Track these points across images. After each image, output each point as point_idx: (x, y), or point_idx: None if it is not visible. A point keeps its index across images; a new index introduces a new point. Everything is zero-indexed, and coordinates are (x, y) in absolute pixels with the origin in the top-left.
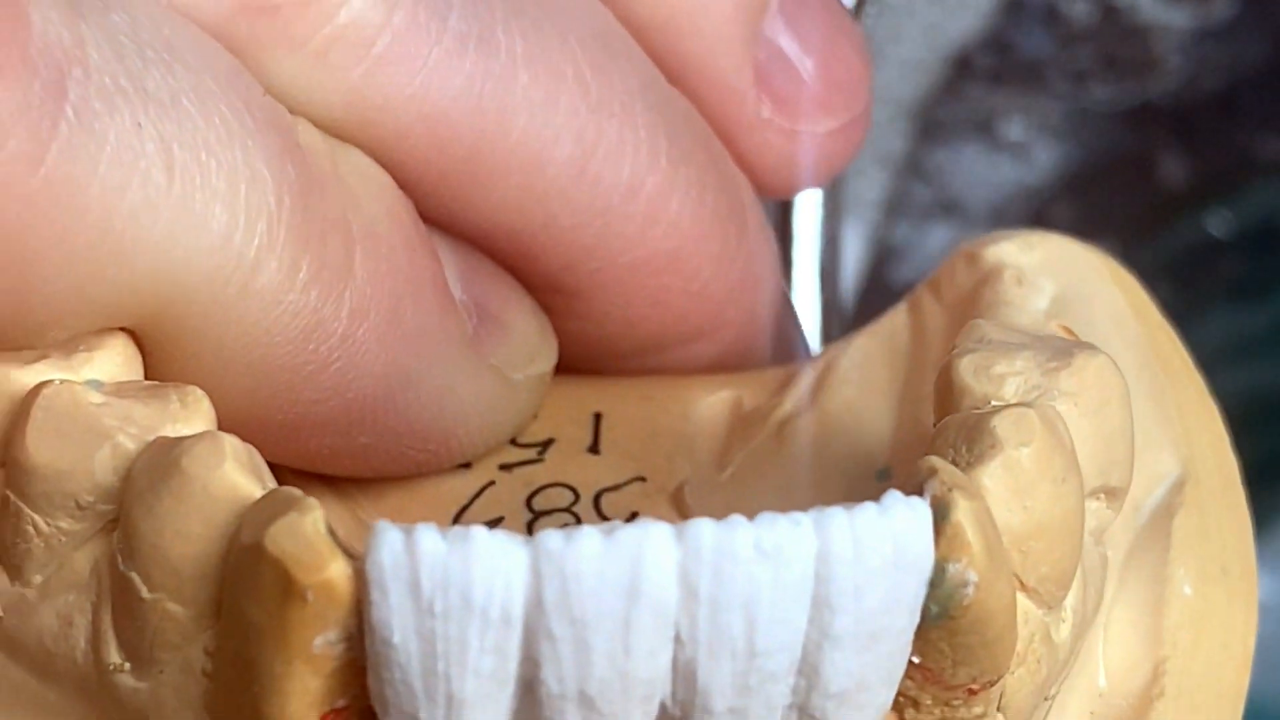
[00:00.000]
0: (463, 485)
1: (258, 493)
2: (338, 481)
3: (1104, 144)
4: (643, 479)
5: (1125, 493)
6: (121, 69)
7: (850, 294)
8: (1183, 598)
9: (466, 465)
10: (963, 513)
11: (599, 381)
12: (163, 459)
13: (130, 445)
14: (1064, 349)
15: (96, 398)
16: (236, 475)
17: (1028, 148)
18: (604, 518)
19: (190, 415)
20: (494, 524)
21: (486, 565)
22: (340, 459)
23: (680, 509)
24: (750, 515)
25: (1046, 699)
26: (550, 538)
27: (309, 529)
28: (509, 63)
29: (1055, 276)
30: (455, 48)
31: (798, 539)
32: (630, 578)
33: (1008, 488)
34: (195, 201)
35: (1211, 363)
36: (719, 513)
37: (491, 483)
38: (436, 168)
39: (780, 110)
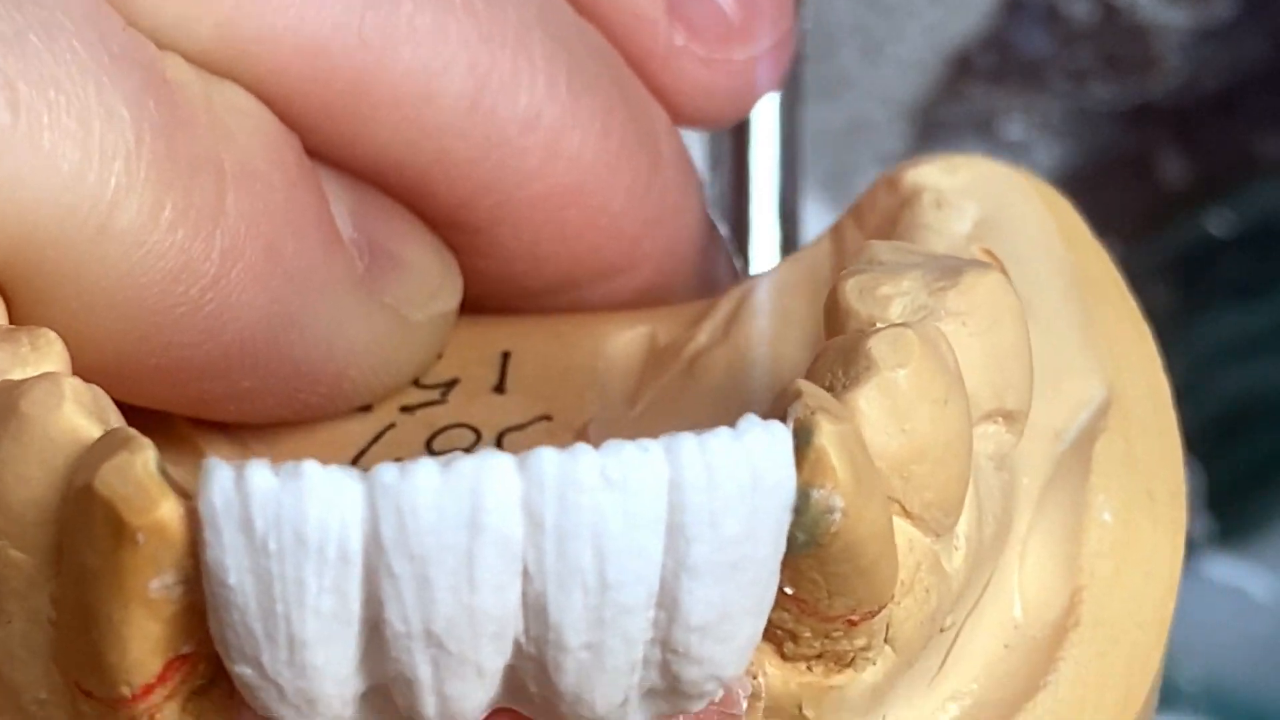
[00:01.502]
0: (362, 428)
1: (99, 434)
2: (233, 428)
3: (1104, 144)
4: (549, 418)
5: (1025, 416)
6: None
7: None
8: (1102, 525)
9: (367, 408)
10: (826, 436)
11: (510, 320)
12: (1, 402)
13: None
14: (954, 268)
15: None
16: (76, 417)
17: (1028, 147)
18: None
19: (40, 358)
20: None
21: (320, 501)
22: (226, 404)
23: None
24: None
25: (942, 630)
26: (385, 471)
27: (139, 469)
28: None
29: (979, 199)
30: None
31: (646, 466)
32: (470, 510)
33: (884, 410)
34: (43, 140)
35: (1211, 363)
36: None
37: (392, 425)
38: (318, 102)
39: (695, 38)
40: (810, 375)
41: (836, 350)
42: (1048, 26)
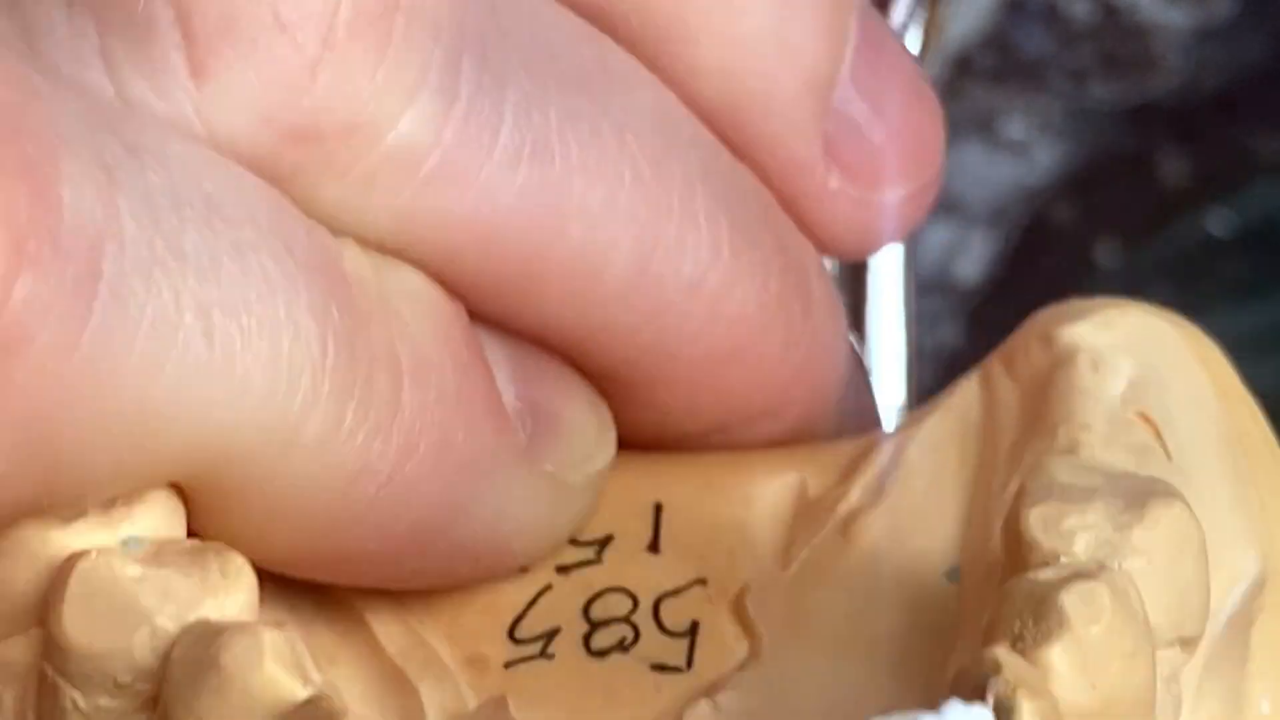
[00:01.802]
0: (518, 590)
1: (299, 691)
2: (393, 593)
3: (1104, 143)
4: (703, 581)
5: (1200, 637)
6: (158, 235)
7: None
8: (1261, 717)
9: (523, 568)
10: (1027, 714)
11: (658, 464)
12: (202, 653)
13: (170, 626)
14: (1138, 496)
15: (134, 570)
16: (277, 672)
17: (1028, 147)
18: (662, 628)
19: (231, 586)
20: (550, 636)
21: None
22: (391, 581)
23: (741, 617)
24: (812, 623)
25: None
26: None
27: None
28: (564, 171)
29: (1133, 355)
30: (508, 160)
31: None
32: None
33: (1076, 667)
34: (236, 366)
35: None
36: (781, 621)
37: (548, 587)
38: (487, 278)
39: (850, 179)
40: (998, 620)
41: (1024, 598)
42: (1048, 26)
